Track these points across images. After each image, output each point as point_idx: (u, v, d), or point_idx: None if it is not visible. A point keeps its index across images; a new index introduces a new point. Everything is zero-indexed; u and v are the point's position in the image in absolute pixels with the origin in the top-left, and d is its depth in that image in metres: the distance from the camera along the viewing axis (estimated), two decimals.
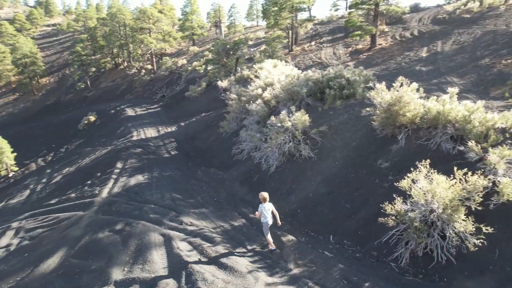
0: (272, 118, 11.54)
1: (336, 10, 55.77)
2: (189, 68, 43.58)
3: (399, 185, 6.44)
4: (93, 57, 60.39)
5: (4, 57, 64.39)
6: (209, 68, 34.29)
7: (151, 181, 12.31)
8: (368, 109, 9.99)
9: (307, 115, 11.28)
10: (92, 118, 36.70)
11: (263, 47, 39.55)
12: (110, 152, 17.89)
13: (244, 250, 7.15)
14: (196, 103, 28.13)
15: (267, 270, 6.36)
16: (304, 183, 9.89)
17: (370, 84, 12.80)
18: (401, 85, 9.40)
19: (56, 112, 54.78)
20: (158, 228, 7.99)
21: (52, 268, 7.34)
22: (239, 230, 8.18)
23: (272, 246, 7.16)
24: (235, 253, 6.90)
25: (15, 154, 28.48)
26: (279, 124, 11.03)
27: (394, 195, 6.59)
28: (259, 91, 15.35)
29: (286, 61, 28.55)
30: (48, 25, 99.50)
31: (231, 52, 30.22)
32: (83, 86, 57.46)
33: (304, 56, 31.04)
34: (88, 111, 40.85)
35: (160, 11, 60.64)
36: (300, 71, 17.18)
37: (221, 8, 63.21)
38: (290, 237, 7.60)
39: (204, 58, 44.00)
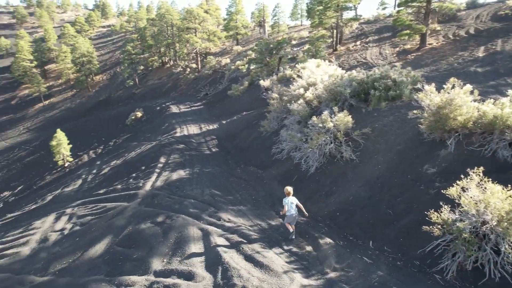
0: (314, 118, 11.34)
1: (384, 8, 53.71)
2: (232, 67, 44.31)
3: (447, 192, 6.02)
4: (141, 56, 63.60)
5: (66, 56, 70.06)
6: (251, 67, 34.61)
7: (192, 176, 12.68)
8: (415, 111, 9.48)
9: (350, 116, 10.97)
10: (139, 114, 38.53)
11: (307, 46, 39.11)
12: (154, 147, 18.70)
13: (280, 250, 7.12)
14: (238, 102, 28.53)
15: (303, 272, 6.27)
16: (344, 185, 9.64)
17: (418, 86, 12.18)
18: (453, 86, 8.83)
19: (107, 107, 58.39)
20: (197, 222, 8.21)
21: (99, 254, 7.84)
22: (276, 230, 8.17)
23: (291, 229, 7.69)
24: (272, 252, 6.90)
25: (70, 146, 30.86)
26: (320, 125, 10.82)
27: (441, 203, 6.19)
28: (301, 90, 15.20)
29: (329, 61, 28.03)
30: (103, 26, 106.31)
31: (274, 52, 30.23)
32: (131, 84, 60.73)
33: (348, 56, 30.27)
34: (135, 107, 43.00)
35: (206, 11, 62.25)
36: (344, 71, 16.75)
37: (266, 7, 63.43)
38: (328, 240, 7.44)
39: (247, 57, 44.49)
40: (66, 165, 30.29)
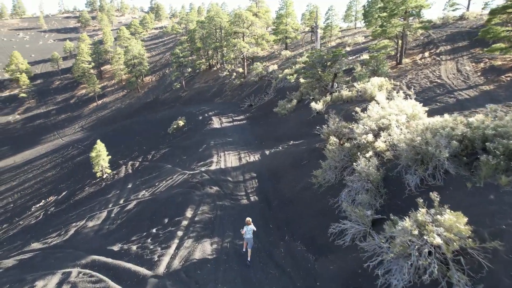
0: (407, 223, 6.83)
1: (454, 10, 46.83)
2: (280, 75, 41.00)
3: None
4: (190, 58, 62.80)
5: (119, 58, 72.05)
6: (301, 80, 30.98)
7: (219, 258, 9.63)
8: None
9: (460, 213, 6.79)
10: (181, 123, 37.36)
11: (364, 56, 34.54)
12: (184, 184, 16.10)
13: None
14: (284, 123, 25.17)
15: None
16: None
17: None
18: None
19: (153, 109, 58.40)
20: None
21: None
22: None
23: (249, 257, 9.70)
24: None
25: (109, 157, 29.97)
26: (415, 232, 6.71)
27: None
28: (370, 137, 11.52)
29: (394, 83, 23.53)
30: (156, 28, 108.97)
31: (328, 64, 26.33)
32: (178, 86, 60.17)
33: (417, 73, 25.47)
34: (180, 111, 42.18)
35: (255, 14, 59.54)
36: (426, 108, 12.74)
37: (318, 8, 58.95)
38: None
39: (296, 65, 40.84)
40: (104, 176, 29.48)
